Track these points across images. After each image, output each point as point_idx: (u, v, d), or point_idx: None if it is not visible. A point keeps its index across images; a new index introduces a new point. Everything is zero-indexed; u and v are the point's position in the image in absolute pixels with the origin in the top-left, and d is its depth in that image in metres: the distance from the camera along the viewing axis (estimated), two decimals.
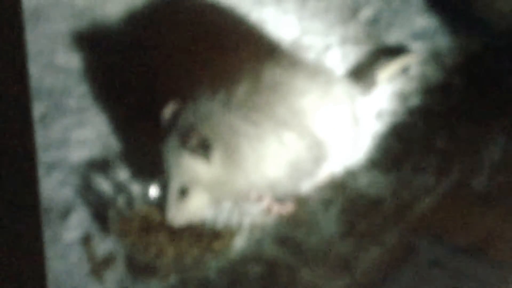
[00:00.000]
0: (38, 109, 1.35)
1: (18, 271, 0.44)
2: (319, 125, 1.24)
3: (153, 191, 1.26)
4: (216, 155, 1.17)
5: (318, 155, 1.25)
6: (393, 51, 1.50)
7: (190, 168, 1.18)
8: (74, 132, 1.38)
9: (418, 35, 1.57)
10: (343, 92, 1.28)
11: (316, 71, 1.30)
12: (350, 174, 1.33)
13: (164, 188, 1.23)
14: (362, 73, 1.45)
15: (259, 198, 1.28)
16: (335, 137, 1.26)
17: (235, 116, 1.20)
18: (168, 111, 1.23)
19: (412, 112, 1.45)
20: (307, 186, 1.29)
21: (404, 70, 1.48)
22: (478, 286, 1.23)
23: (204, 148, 1.17)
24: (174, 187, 1.20)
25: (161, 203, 1.23)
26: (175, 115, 1.21)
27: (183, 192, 1.19)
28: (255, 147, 1.20)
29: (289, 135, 1.21)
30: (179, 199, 1.20)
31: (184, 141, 1.17)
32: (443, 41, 1.55)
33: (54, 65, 1.45)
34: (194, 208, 1.21)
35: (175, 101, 1.24)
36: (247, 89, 1.23)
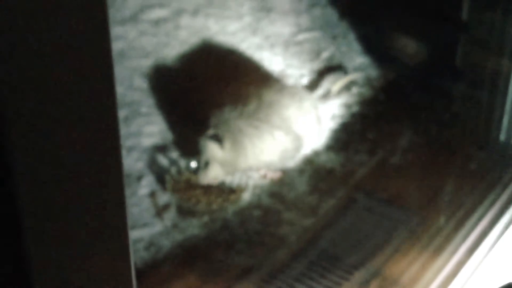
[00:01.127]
0: (121, 114, 1.60)
1: (107, 215, 0.54)
2: (298, 127, 1.53)
3: (193, 164, 1.54)
4: (227, 145, 1.46)
5: (298, 146, 1.54)
6: (340, 76, 1.80)
7: (210, 149, 1.46)
8: (144, 128, 1.65)
9: (357, 68, 1.91)
10: (311, 105, 1.59)
11: (295, 92, 1.59)
12: (315, 154, 1.60)
13: (198, 162, 1.51)
14: (322, 89, 1.74)
15: (259, 170, 1.55)
16: (307, 133, 1.55)
17: (244, 123, 1.49)
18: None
19: (353, 116, 1.73)
20: (291, 163, 1.54)
21: (349, 89, 1.77)
22: (393, 224, 1.44)
23: (217, 138, 1.44)
24: (202, 161, 1.48)
25: (197, 171, 1.50)
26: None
27: (207, 164, 1.47)
28: (255, 143, 1.48)
29: (279, 134, 1.51)
30: (205, 168, 1.47)
31: (206, 133, 1.47)
32: (373, 71, 1.88)
33: (132, 87, 1.76)
34: (213, 174, 1.48)
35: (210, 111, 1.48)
36: (254, 106, 1.51)
